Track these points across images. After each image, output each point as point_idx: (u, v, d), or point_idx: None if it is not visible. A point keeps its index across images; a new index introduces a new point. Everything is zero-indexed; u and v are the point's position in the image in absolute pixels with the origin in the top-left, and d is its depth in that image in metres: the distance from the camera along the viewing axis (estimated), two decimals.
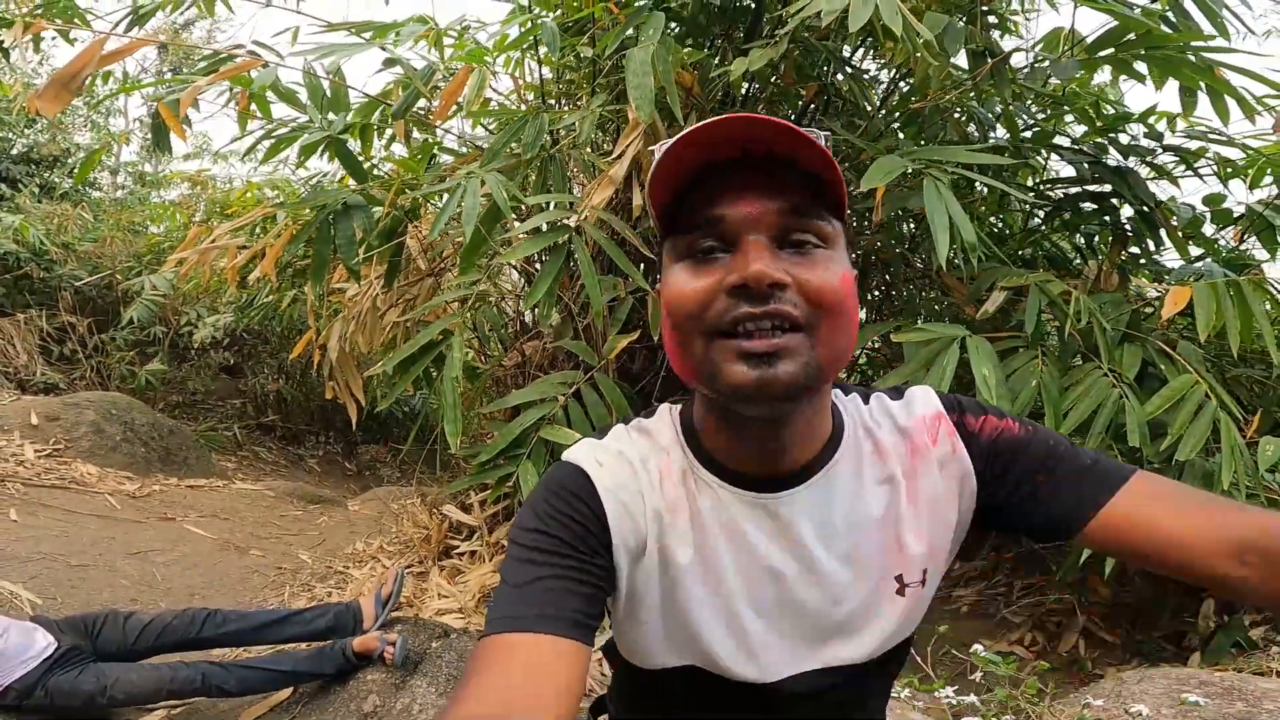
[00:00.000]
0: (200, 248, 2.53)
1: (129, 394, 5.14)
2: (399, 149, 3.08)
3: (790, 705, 0.74)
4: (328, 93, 2.57)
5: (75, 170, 6.78)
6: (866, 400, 0.78)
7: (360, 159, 2.61)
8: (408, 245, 2.62)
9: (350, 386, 2.67)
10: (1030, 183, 3.32)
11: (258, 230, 2.88)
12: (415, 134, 2.79)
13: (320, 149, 2.57)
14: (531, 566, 0.65)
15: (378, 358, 2.80)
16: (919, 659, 2.03)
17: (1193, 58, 2.42)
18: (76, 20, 2.71)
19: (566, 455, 0.73)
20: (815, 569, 0.71)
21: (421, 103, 2.54)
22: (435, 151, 2.83)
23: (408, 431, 5.98)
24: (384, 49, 2.50)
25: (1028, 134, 3.18)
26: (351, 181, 2.64)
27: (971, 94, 2.76)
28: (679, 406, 0.77)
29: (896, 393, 0.78)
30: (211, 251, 2.55)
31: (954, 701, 1.53)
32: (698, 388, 0.67)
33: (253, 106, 2.67)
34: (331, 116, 2.57)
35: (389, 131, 2.87)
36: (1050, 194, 3.19)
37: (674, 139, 0.62)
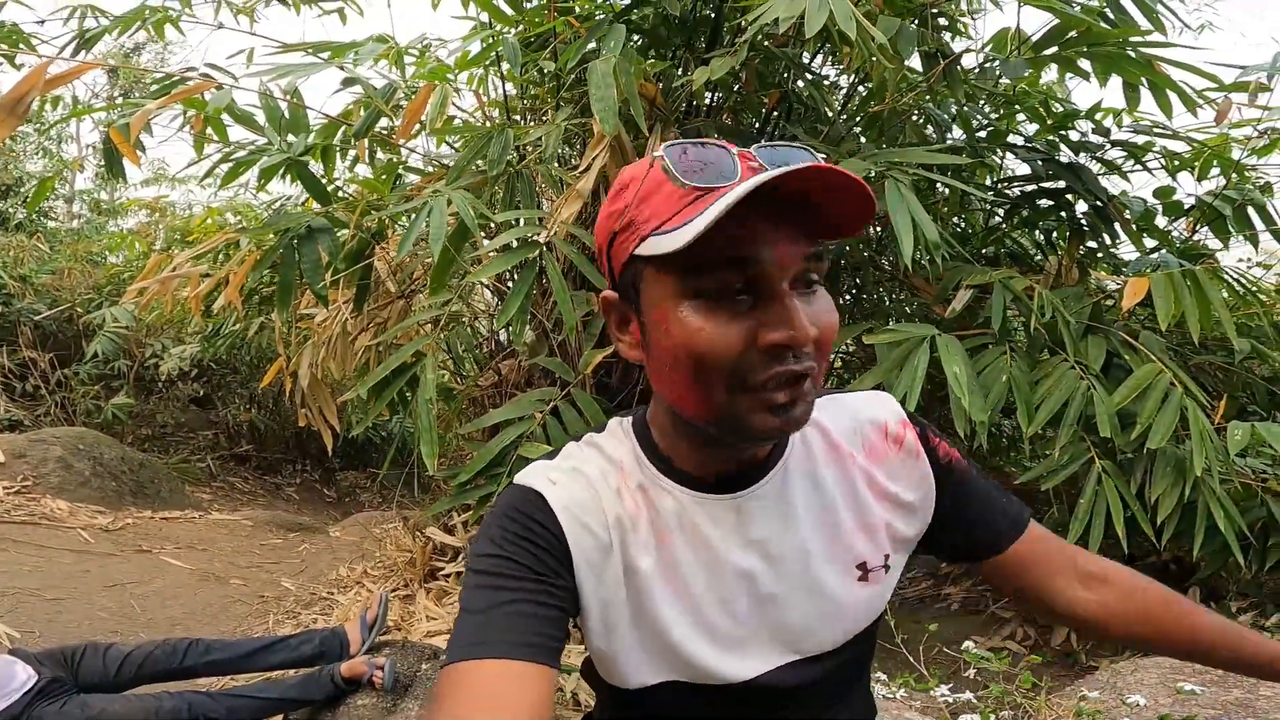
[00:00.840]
0: (161, 277, 2.46)
1: (96, 429, 5.04)
2: (362, 169, 3.05)
3: (773, 703, 0.75)
4: (286, 114, 2.53)
5: (28, 199, 6.59)
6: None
7: (323, 181, 2.57)
8: (376, 267, 2.59)
9: (324, 413, 2.63)
10: (988, 181, 3.38)
11: (220, 257, 2.82)
12: (379, 154, 2.76)
13: (280, 171, 2.53)
14: (490, 592, 0.64)
15: (351, 383, 2.76)
16: (912, 658, 2.05)
17: (1132, 53, 2.49)
18: (22, 45, 2.64)
19: (518, 478, 0.72)
20: (779, 562, 0.72)
21: (384, 122, 2.51)
22: (400, 171, 2.80)
23: (386, 456, 5.91)
24: (343, 69, 2.48)
25: (983, 133, 3.25)
26: (315, 204, 2.60)
27: (927, 96, 2.82)
28: (629, 418, 0.77)
29: (847, 393, 0.82)
30: (173, 280, 2.49)
31: (950, 699, 1.54)
32: (700, 424, 0.66)
33: (208, 130, 2.62)
34: (291, 138, 2.53)
35: (351, 153, 2.83)
36: (1008, 192, 3.26)
37: (750, 186, 0.56)
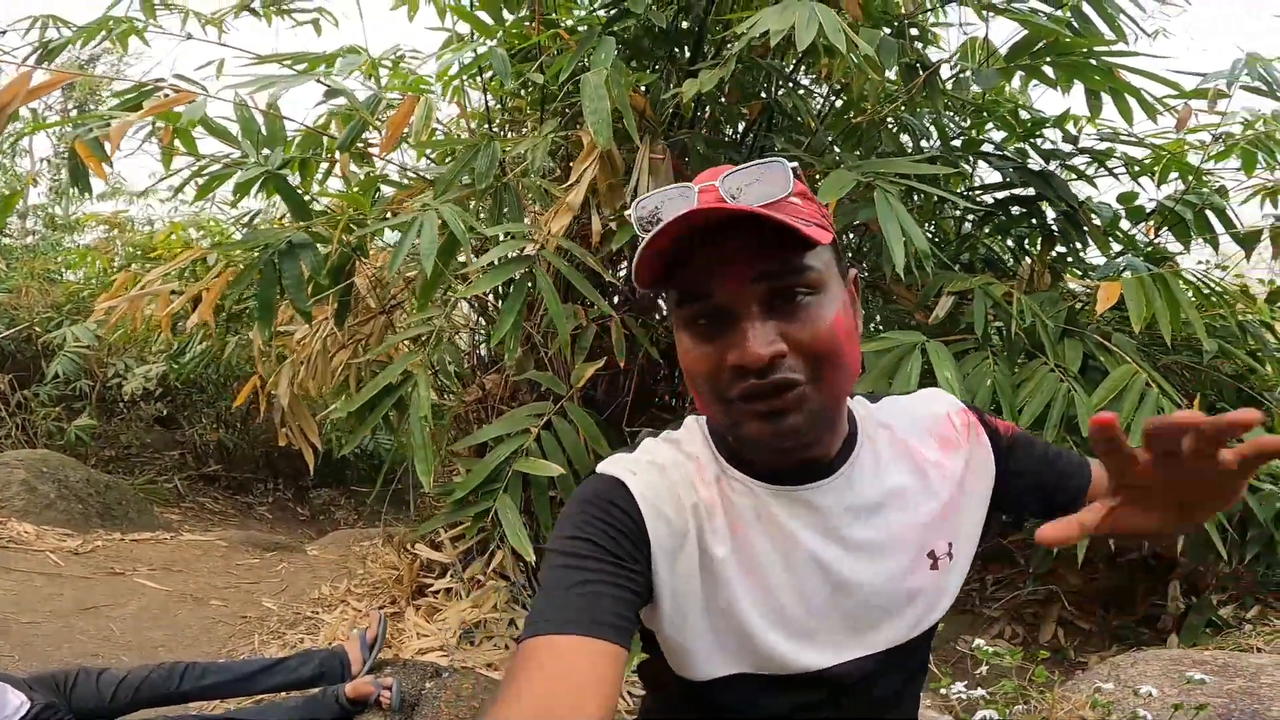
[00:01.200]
0: (130, 295, 2.37)
1: (59, 451, 4.89)
2: (335, 183, 2.98)
3: (841, 696, 0.76)
4: (262, 126, 2.46)
5: None
6: (874, 402, 0.85)
7: (302, 194, 2.50)
8: (356, 284, 2.53)
9: (305, 432, 2.55)
10: (962, 189, 3.46)
11: (188, 274, 2.73)
12: (352, 167, 2.70)
13: (257, 185, 2.46)
14: (567, 572, 0.66)
15: (330, 401, 2.69)
16: None
17: (1095, 61, 2.57)
18: None
19: (600, 468, 0.74)
20: (855, 552, 0.74)
21: (363, 134, 2.46)
22: (378, 185, 2.75)
23: (362, 473, 5.80)
24: (321, 81, 2.42)
25: (957, 142, 3.32)
26: (288, 219, 2.53)
27: (903, 106, 2.87)
28: (704, 416, 0.80)
29: (906, 394, 0.87)
30: (142, 299, 2.40)
31: (964, 697, 1.55)
32: (725, 432, 0.73)
33: (177, 143, 2.54)
34: (267, 151, 2.47)
35: (325, 167, 2.77)
36: (982, 199, 3.33)
37: (651, 235, 0.65)
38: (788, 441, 0.67)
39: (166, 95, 2.20)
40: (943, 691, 1.65)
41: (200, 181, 2.42)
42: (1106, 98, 2.75)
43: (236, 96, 2.28)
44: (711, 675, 0.73)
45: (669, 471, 0.74)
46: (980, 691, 1.59)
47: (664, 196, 0.68)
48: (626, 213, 0.72)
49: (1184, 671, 1.64)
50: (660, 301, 2.86)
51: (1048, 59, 2.63)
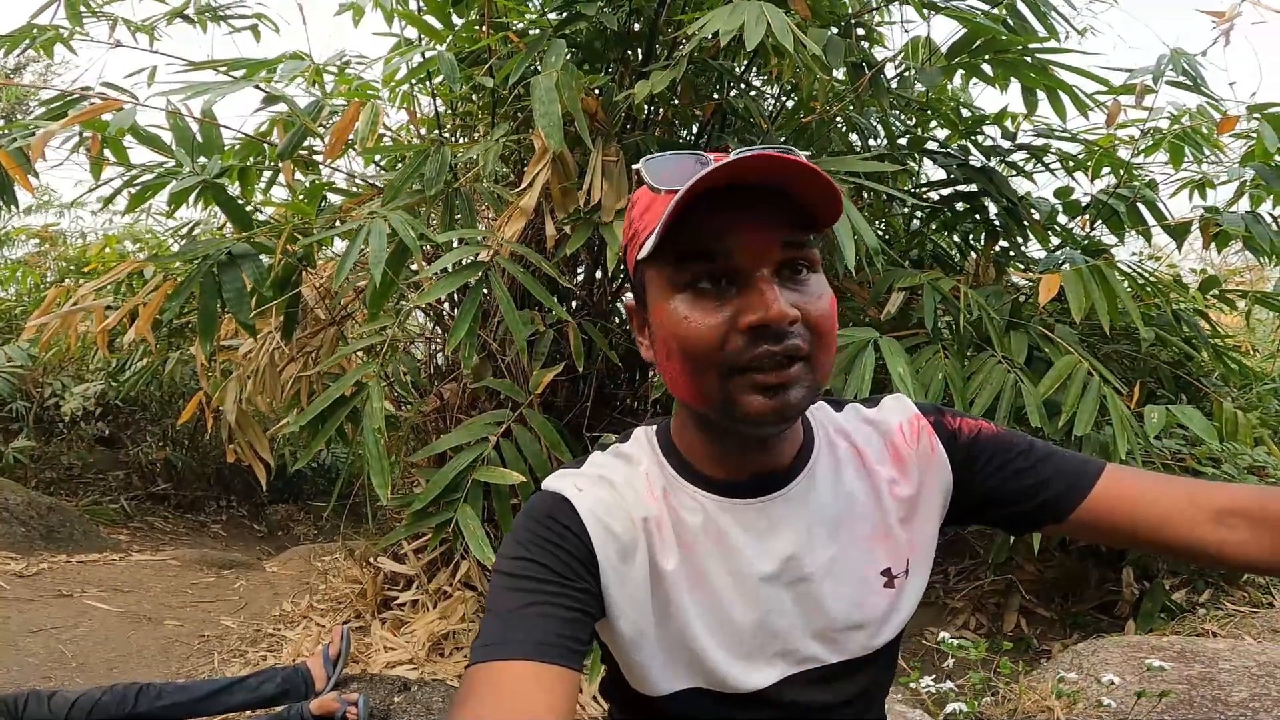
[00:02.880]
0: (62, 311, 2.26)
1: None
2: (280, 192, 2.89)
3: (801, 712, 0.75)
4: (198, 135, 2.37)
5: None
6: (837, 408, 0.82)
7: (242, 204, 2.42)
8: (304, 294, 2.46)
9: (255, 448, 2.47)
10: (908, 187, 3.53)
11: (124, 289, 2.62)
12: (299, 176, 2.62)
13: (194, 195, 2.37)
14: (515, 594, 0.65)
15: (281, 415, 2.61)
16: None
17: (1030, 59, 2.66)
18: None
19: (546, 484, 0.73)
20: (805, 568, 0.73)
21: (308, 141, 2.39)
22: (324, 194, 2.68)
23: (319, 488, 5.64)
24: (260, 87, 2.34)
25: (903, 140, 3.39)
26: (229, 229, 2.45)
27: (851, 105, 2.91)
28: (653, 427, 0.79)
29: (870, 402, 0.83)
30: (75, 315, 2.29)
31: (933, 690, 1.58)
32: (704, 412, 0.69)
33: (107, 153, 2.43)
34: (204, 160, 2.38)
35: (267, 175, 2.68)
36: (928, 196, 3.40)
37: (695, 179, 0.61)
38: (787, 416, 0.64)
39: (93, 104, 2.10)
40: (912, 686, 1.68)
41: (132, 192, 2.32)
42: (1042, 95, 2.84)
43: (169, 104, 2.19)
44: (666, 690, 0.73)
45: (618, 486, 0.72)
46: (949, 685, 1.62)
47: (678, 158, 0.66)
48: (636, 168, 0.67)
49: (1144, 659, 1.69)
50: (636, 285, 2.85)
51: (986, 57, 2.70)
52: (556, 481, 0.72)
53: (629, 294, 0.77)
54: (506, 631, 0.62)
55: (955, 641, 1.76)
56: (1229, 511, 0.70)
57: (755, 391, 0.64)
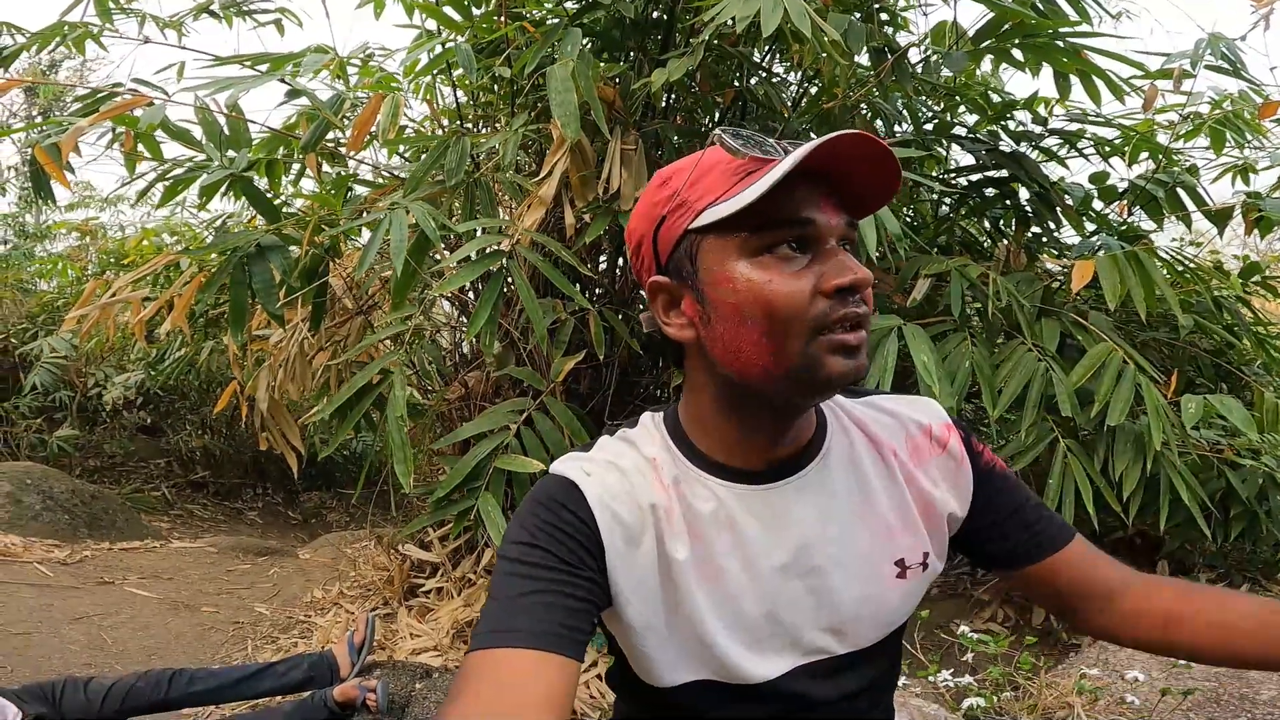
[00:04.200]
0: (100, 303, 2.33)
1: (42, 462, 4.83)
2: (309, 184, 2.94)
3: (811, 702, 0.74)
4: (225, 129, 2.42)
5: None
6: (852, 397, 0.81)
7: (270, 196, 2.47)
8: (331, 284, 2.50)
9: (287, 436, 2.53)
10: (936, 173, 3.46)
11: (161, 280, 2.69)
12: (326, 168, 2.67)
13: (223, 189, 2.42)
14: (518, 580, 0.65)
15: (311, 404, 2.67)
16: (909, 646, 2.07)
17: (1061, 43, 2.59)
18: None
19: (553, 468, 0.73)
20: (817, 558, 0.72)
21: (333, 134, 2.43)
22: (350, 185, 2.72)
23: (352, 476, 5.77)
24: (284, 81, 2.38)
25: (929, 126, 3.33)
26: (260, 221, 2.50)
27: (875, 91, 2.87)
28: (659, 413, 0.78)
29: (890, 395, 0.83)
30: (113, 306, 2.36)
31: (951, 684, 1.56)
32: (769, 381, 0.66)
33: (140, 148, 2.50)
34: (232, 154, 2.43)
35: (296, 167, 2.73)
36: (955, 182, 3.34)
37: (809, 148, 0.62)
38: (860, 377, 0.66)
39: (124, 99, 2.16)
40: (932, 679, 1.66)
41: (165, 185, 2.38)
42: (1075, 80, 2.77)
43: (196, 99, 2.24)
44: (674, 681, 0.72)
45: (628, 473, 0.71)
46: (968, 679, 1.60)
47: (758, 134, 0.68)
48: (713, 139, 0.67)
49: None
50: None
51: (1015, 41, 2.64)
52: (564, 466, 0.72)
53: (654, 276, 0.73)
54: (508, 619, 0.62)
55: (975, 636, 1.73)
56: (1177, 619, 0.76)
57: (837, 353, 0.64)
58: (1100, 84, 2.72)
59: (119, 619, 3.02)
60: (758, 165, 0.66)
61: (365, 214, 2.40)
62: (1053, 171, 3.40)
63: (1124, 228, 3.33)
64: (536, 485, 0.72)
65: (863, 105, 2.96)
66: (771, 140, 0.67)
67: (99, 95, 2.37)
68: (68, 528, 4.16)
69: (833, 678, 0.74)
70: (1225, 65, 2.61)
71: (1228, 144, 3.03)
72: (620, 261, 2.85)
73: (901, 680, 1.75)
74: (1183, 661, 1.57)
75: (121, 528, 4.43)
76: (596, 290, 2.79)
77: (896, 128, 3.16)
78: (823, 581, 0.72)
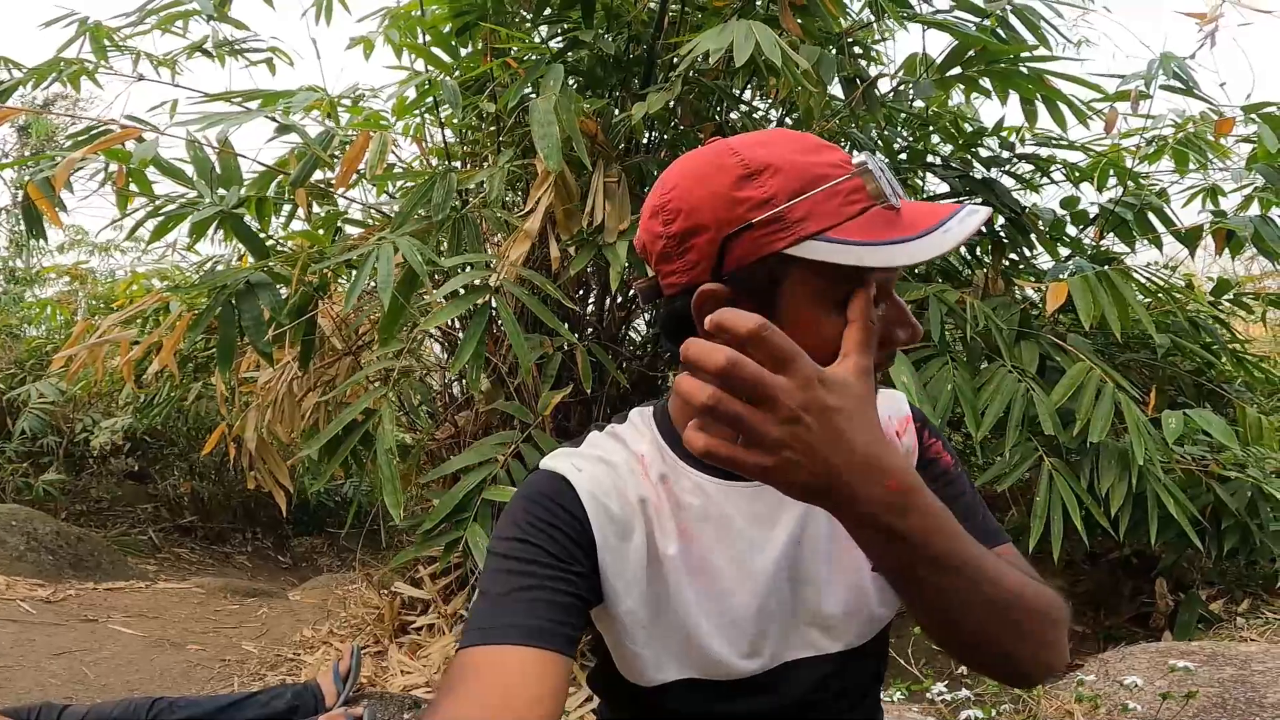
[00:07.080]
0: (88, 343, 2.34)
1: (27, 505, 4.75)
2: (299, 225, 2.98)
3: (798, 699, 0.74)
4: (216, 165, 2.45)
5: None
6: None
7: (259, 234, 2.50)
8: (320, 324, 2.52)
9: (275, 475, 2.52)
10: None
11: (149, 322, 2.70)
12: (316, 208, 2.70)
13: (213, 226, 2.45)
14: (508, 577, 0.64)
15: (300, 445, 2.67)
16: (903, 661, 2.06)
17: (1024, 69, 2.68)
18: None
19: (543, 464, 0.72)
20: (805, 552, 0.72)
21: (322, 173, 2.47)
22: (340, 223, 2.75)
23: (342, 520, 5.72)
24: (273, 119, 2.43)
25: (903, 155, 3.41)
26: (250, 259, 2.52)
27: (850, 121, 2.95)
28: (648, 409, 0.78)
29: None
30: (101, 347, 2.36)
31: (948, 698, 1.55)
32: None
33: (132, 185, 2.53)
34: (222, 191, 2.46)
35: (287, 206, 2.77)
36: None
37: (956, 218, 0.62)
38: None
39: (116, 133, 2.19)
40: (929, 696, 1.65)
41: (155, 223, 2.41)
42: (1041, 106, 2.85)
43: (188, 134, 2.28)
44: (660, 680, 0.72)
45: (617, 467, 0.71)
46: (965, 692, 1.59)
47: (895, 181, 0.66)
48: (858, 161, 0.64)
49: (1171, 662, 1.65)
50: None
51: (979, 68, 2.72)
52: (555, 461, 0.71)
53: (707, 283, 0.64)
54: (498, 616, 0.62)
55: None
56: None
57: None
58: (1065, 109, 2.81)
59: (101, 654, 2.97)
60: (881, 206, 0.62)
61: (356, 250, 2.43)
62: (1026, 199, 3.49)
63: (1096, 251, 3.40)
64: (526, 481, 0.72)
65: (839, 136, 3.04)
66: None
67: (92, 131, 2.40)
68: (51, 568, 4.10)
69: (820, 675, 0.75)
70: (1177, 85, 2.70)
71: (1192, 166, 3.12)
72: (607, 301, 2.87)
73: (896, 695, 1.74)
74: (1181, 665, 1.58)
75: (106, 569, 4.36)
76: (588, 329, 2.82)
77: None
78: (811, 578, 0.73)
